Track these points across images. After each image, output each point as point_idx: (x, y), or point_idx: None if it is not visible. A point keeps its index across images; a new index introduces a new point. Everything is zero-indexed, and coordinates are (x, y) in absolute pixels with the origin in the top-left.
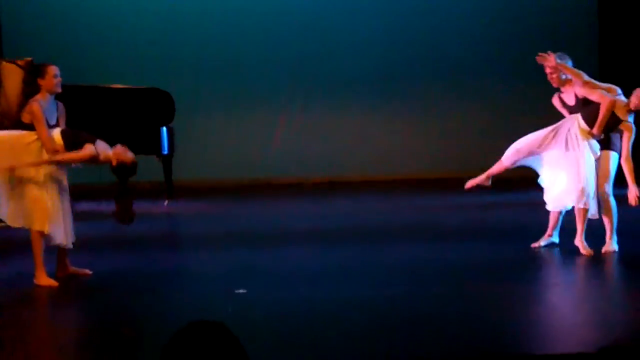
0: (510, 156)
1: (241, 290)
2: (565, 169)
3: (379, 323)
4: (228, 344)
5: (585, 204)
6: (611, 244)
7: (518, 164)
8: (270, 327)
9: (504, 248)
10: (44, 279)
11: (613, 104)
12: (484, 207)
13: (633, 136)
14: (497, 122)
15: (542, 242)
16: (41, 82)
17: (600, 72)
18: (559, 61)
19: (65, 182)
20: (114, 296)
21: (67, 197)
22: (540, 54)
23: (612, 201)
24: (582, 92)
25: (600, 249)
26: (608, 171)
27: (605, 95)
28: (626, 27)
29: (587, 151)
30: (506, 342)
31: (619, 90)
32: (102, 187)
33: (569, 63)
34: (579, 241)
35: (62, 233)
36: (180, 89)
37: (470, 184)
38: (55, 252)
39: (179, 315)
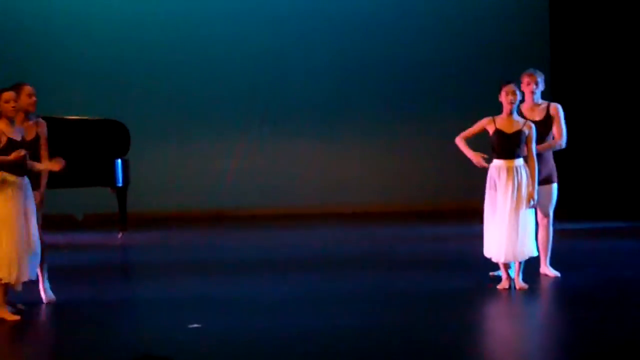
0: None
1: (195, 325)
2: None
3: (328, 354)
4: None
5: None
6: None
7: None
8: (220, 358)
9: (453, 278)
10: (6, 315)
11: None
12: (436, 238)
13: None
14: (451, 149)
15: (498, 272)
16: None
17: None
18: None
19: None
20: (64, 327)
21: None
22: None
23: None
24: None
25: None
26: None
27: None
28: (577, 49)
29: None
30: None
31: None
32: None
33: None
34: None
35: (24, 274)
36: (133, 120)
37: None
38: None
39: (128, 348)
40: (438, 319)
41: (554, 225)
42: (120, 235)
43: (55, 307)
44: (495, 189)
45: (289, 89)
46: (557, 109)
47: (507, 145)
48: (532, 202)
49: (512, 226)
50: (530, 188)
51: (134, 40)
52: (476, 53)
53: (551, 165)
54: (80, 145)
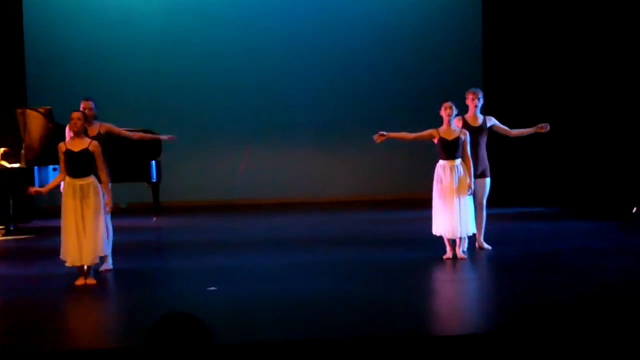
0: None
1: (212, 288)
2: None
3: (319, 311)
4: (196, 330)
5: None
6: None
7: None
8: (234, 315)
9: (409, 251)
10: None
11: None
12: (398, 220)
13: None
14: (413, 152)
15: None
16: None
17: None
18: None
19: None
20: (113, 290)
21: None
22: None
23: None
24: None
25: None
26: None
27: None
28: (508, 64)
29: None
30: (408, 325)
31: None
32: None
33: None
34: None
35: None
36: (164, 129)
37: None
38: None
39: (159, 307)
40: (397, 283)
41: (487, 209)
42: (154, 219)
43: (108, 273)
44: (441, 182)
45: (289, 105)
46: (492, 119)
47: (448, 149)
48: (469, 191)
49: (455, 210)
50: (468, 181)
51: (165, 63)
52: (427, 76)
53: (486, 162)
54: (124, 149)
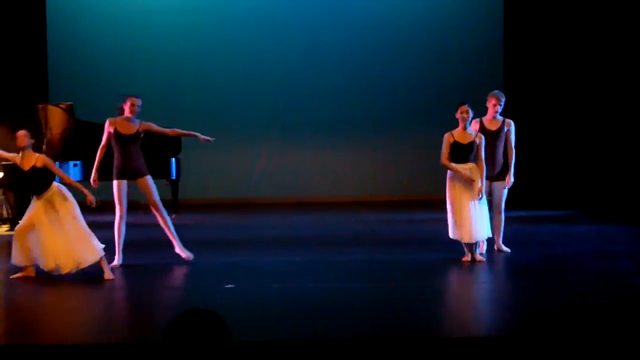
0: None
1: (230, 285)
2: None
3: (327, 309)
4: (216, 327)
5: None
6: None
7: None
8: (251, 311)
9: (425, 252)
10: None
11: None
12: (411, 221)
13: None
14: (422, 153)
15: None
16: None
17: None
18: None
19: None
20: (130, 284)
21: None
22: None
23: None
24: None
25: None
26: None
27: None
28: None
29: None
30: (422, 327)
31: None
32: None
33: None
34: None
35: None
36: (182, 126)
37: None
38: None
39: (179, 303)
40: (413, 284)
41: (505, 212)
42: (173, 216)
43: (126, 268)
44: (454, 186)
45: (307, 104)
46: (511, 124)
47: (462, 153)
48: (480, 195)
49: (470, 214)
50: (480, 184)
51: (183, 61)
52: (441, 81)
53: (503, 165)
54: (144, 146)
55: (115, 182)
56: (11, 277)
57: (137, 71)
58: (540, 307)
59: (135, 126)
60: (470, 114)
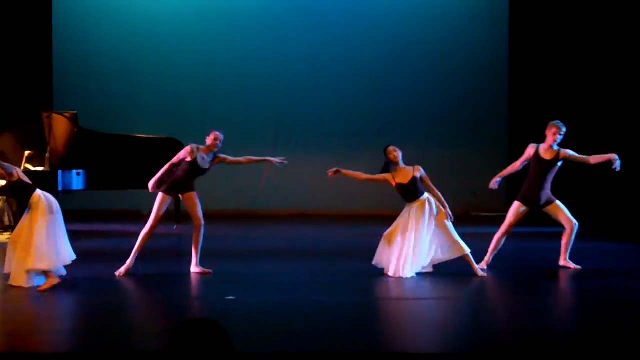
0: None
1: (230, 297)
2: None
3: (327, 321)
4: (218, 337)
5: None
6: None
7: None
8: (252, 323)
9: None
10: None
11: None
12: None
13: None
14: (443, 167)
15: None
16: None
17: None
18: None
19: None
20: (132, 294)
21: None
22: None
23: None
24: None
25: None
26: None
27: None
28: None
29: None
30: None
31: None
32: (127, 212)
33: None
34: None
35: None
36: (188, 138)
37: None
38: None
39: (181, 313)
40: (419, 298)
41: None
42: (175, 226)
43: (128, 278)
44: (402, 220)
45: (313, 116)
46: (567, 152)
47: (408, 193)
48: (450, 219)
49: (406, 248)
50: (443, 209)
51: (190, 70)
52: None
53: (549, 193)
54: (147, 157)
55: (160, 195)
56: (37, 289)
57: (143, 80)
58: (537, 327)
59: (210, 159)
60: (399, 152)
